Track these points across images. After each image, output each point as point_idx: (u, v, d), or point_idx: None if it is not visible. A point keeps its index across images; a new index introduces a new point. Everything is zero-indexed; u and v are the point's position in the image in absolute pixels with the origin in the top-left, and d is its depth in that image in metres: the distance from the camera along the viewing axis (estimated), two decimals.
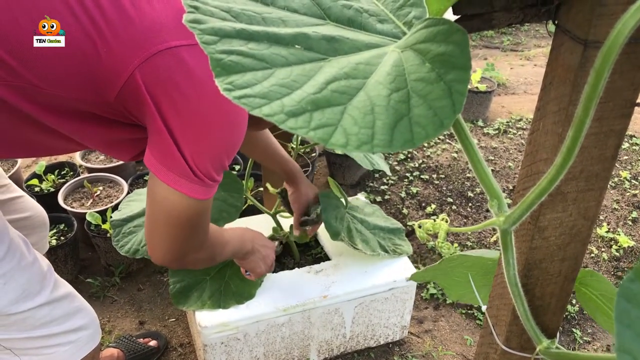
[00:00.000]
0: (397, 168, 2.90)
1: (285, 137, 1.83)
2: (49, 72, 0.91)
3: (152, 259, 1.13)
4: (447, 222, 0.71)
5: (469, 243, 2.40)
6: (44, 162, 2.48)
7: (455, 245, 2.39)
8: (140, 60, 0.91)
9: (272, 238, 1.85)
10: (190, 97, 0.93)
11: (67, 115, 0.99)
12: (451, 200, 2.67)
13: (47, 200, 2.24)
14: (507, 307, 0.78)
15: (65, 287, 1.24)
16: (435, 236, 0.74)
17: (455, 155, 3.03)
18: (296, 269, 1.76)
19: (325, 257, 1.87)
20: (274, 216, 1.81)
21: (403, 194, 2.69)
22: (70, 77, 0.92)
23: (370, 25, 0.49)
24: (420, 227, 0.74)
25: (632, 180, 2.88)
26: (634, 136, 3.29)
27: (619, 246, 2.39)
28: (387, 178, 2.81)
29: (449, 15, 0.58)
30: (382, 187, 2.74)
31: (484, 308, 0.86)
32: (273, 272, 1.73)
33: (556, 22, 0.62)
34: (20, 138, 1.05)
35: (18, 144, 1.07)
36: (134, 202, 1.73)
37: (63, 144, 1.10)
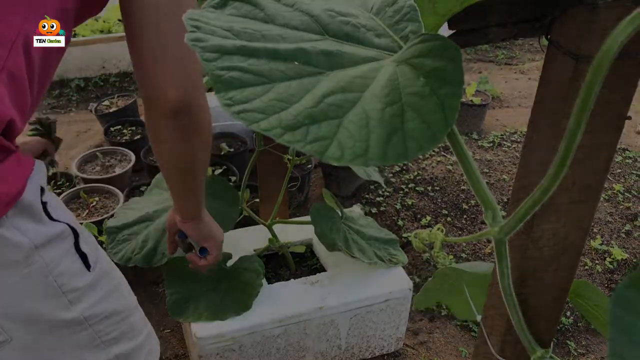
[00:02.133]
0: (393, 180, 2.91)
1: (281, 149, 1.84)
2: None
3: (163, 95, 0.90)
4: (442, 232, 0.71)
5: (464, 255, 2.40)
6: None
7: (450, 256, 2.40)
8: None
9: (267, 249, 1.85)
10: None
11: None
12: (446, 212, 2.68)
13: None
14: (501, 317, 0.78)
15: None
16: (431, 246, 0.74)
17: (450, 167, 3.04)
18: (292, 280, 1.76)
19: (321, 268, 1.87)
20: (269, 227, 1.81)
21: (398, 206, 2.70)
22: None
23: (367, 40, 0.49)
24: (416, 237, 0.75)
25: (626, 193, 2.89)
26: (627, 149, 3.31)
27: (613, 258, 2.40)
28: (383, 190, 2.81)
29: (445, 30, 0.59)
30: (378, 199, 2.75)
31: (478, 318, 0.86)
32: (269, 283, 1.73)
33: (549, 37, 0.63)
34: None
35: None
36: (131, 210, 1.73)
37: None
